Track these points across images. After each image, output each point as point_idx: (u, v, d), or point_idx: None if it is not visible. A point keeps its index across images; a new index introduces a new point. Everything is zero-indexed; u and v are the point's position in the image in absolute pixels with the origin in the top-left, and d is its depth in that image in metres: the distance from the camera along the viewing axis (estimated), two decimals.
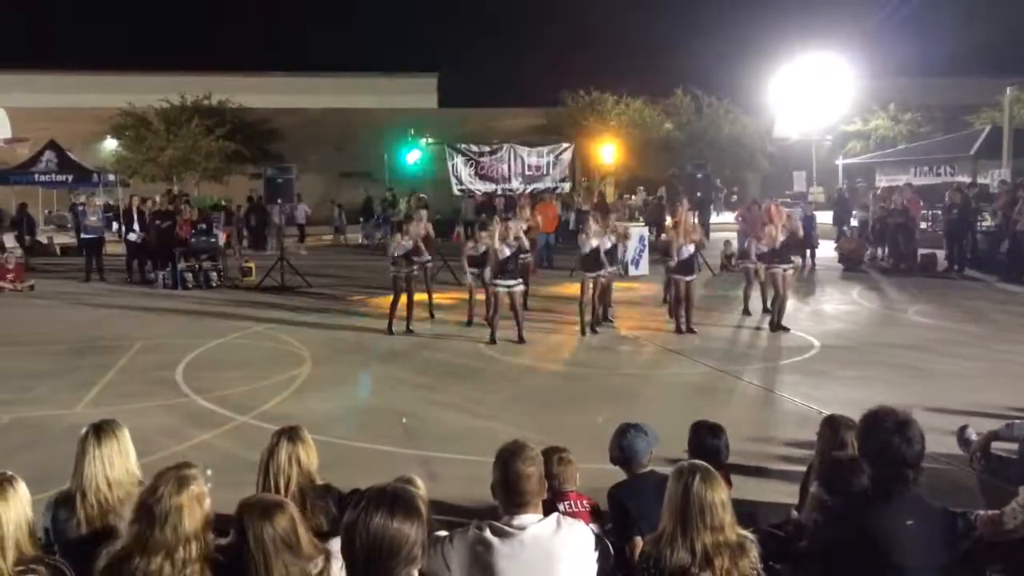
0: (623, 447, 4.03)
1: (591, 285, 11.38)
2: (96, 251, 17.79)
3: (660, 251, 14.30)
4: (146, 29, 61.31)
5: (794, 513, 4.36)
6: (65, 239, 24.31)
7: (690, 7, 66.54)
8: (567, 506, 3.94)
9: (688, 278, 11.40)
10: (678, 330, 11.40)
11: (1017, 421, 5.53)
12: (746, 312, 12.69)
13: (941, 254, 18.21)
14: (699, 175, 18.97)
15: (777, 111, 34.32)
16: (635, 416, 4.44)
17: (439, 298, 13.47)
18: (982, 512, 3.49)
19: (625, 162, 30.57)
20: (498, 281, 10.87)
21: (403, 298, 11.64)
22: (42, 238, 24.57)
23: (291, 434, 3.59)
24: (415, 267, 11.88)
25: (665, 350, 10.61)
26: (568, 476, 4.11)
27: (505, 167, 18.63)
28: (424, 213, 13.51)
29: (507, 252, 10.80)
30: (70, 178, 22.62)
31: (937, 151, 25.04)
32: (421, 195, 22.37)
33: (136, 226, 18.24)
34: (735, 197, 37.99)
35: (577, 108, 34.80)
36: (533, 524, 2.86)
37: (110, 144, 33.67)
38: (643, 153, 31.72)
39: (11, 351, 10.63)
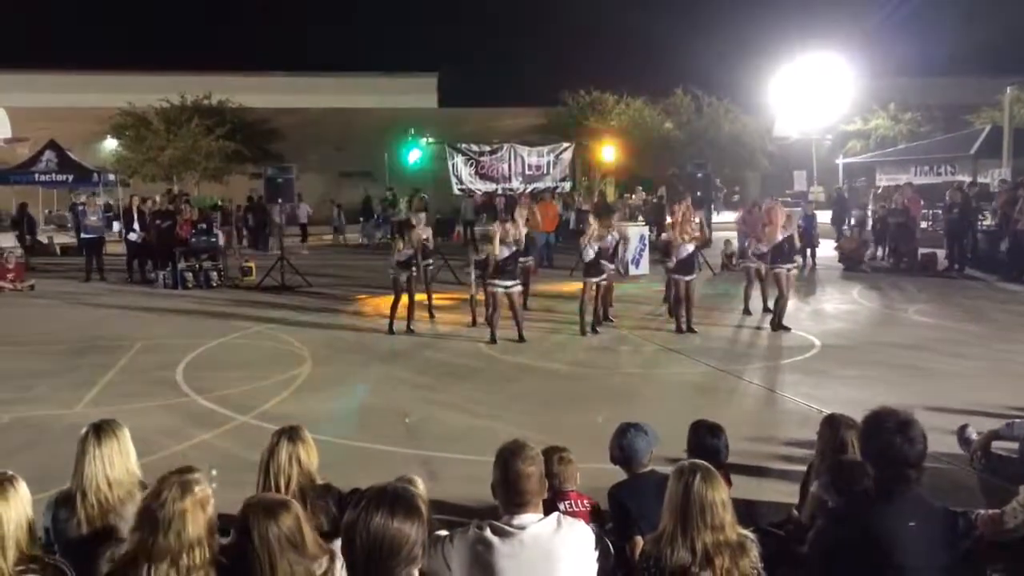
0: (623, 447, 4.03)
1: (593, 288, 11.40)
2: (96, 251, 17.80)
3: (660, 251, 14.29)
4: (146, 29, 61.38)
5: (794, 513, 4.36)
6: (65, 239, 24.28)
7: (690, 7, 66.55)
8: (567, 505, 3.94)
9: (688, 278, 11.40)
10: (678, 330, 11.40)
11: (1017, 420, 5.55)
12: (747, 312, 12.68)
13: (941, 253, 18.20)
14: (699, 175, 18.96)
15: (777, 110, 34.35)
16: (635, 416, 4.44)
17: (439, 298, 13.47)
18: (983, 511, 3.49)
19: (625, 162, 30.56)
20: (496, 281, 10.88)
21: (404, 298, 11.66)
22: (42, 238, 24.58)
23: (291, 434, 3.59)
24: (415, 269, 11.89)
25: (665, 349, 10.61)
26: (568, 475, 4.11)
27: (505, 167, 18.64)
28: (423, 216, 13.48)
29: (506, 253, 10.82)
30: (70, 178, 22.64)
31: (937, 150, 25.04)
32: (423, 195, 22.34)
33: (136, 226, 18.22)
34: (736, 196, 37.99)
35: (577, 108, 34.80)
36: (533, 524, 2.86)
37: (110, 144, 33.68)
38: (643, 153, 31.72)
39: (11, 351, 10.63)
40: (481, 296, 11.69)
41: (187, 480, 2.71)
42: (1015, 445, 5.29)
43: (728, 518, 2.88)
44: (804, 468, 4.63)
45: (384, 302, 12.47)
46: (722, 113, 33.56)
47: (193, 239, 17.01)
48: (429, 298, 12.86)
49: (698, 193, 18.06)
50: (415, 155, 23.88)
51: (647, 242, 18.21)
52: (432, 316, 12.72)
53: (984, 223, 18.58)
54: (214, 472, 3.22)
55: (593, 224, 11.64)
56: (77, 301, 14.90)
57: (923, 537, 2.93)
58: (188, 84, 32.43)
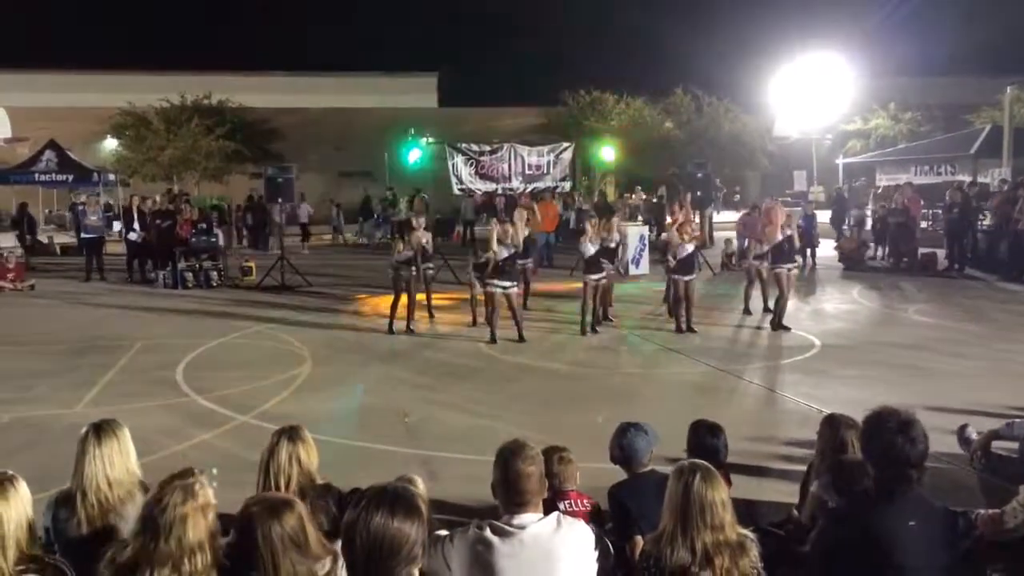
0: (623, 446, 4.03)
1: (592, 287, 11.40)
2: (96, 251, 17.80)
3: (660, 251, 14.29)
4: (146, 29, 61.31)
5: (794, 513, 4.36)
6: (65, 239, 24.28)
7: (690, 7, 66.45)
8: (567, 505, 3.94)
9: (688, 278, 11.40)
10: (678, 329, 11.40)
11: (1017, 420, 5.55)
12: (747, 311, 12.69)
13: (941, 253, 18.19)
14: (699, 174, 18.95)
15: (777, 110, 34.33)
16: (635, 415, 4.44)
17: (439, 298, 13.47)
18: (983, 511, 3.49)
19: (625, 162, 30.55)
20: (494, 281, 10.89)
21: (403, 298, 11.66)
22: (42, 238, 24.57)
23: (291, 433, 3.59)
24: (415, 270, 11.87)
25: (665, 349, 10.61)
26: (568, 475, 4.11)
27: (505, 166, 18.64)
28: (423, 220, 13.44)
29: (505, 253, 10.82)
30: (70, 178, 22.61)
31: (937, 150, 25.05)
32: (423, 196, 22.35)
33: (136, 226, 18.21)
34: (737, 196, 37.98)
35: (577, 108, 34.77)
36: (533, 523, 2.86)
37: (110, 144, 33.64)
38: (643, 153, 31.70)
39: (11, 351, 10.63)
40: (482, 296, 11.69)
41: (189, 484, 2.68)
42: (1015, 445, 5.29)
43: (728, 518, 2.88)
44: (804, 468, 4.63)
45: (384, 302, 12.47)
46: (722, 113, 33.48)
47: (193, 239, 17.02)
48: (429, 298, 12.85)
49: (698, 193, 18.07)
50: (415, 155, 23.89)
51: (647, 242, 18.22)
52: (432, 316, 12.72)
53: (984, 223, 18.58)
54: (214, 472, 3.22)
55: (590, 229, 11.60)
56: (77, 301, 14.90)
57: (923, 537, 2.92)
58: (188, 84, 32.39)
